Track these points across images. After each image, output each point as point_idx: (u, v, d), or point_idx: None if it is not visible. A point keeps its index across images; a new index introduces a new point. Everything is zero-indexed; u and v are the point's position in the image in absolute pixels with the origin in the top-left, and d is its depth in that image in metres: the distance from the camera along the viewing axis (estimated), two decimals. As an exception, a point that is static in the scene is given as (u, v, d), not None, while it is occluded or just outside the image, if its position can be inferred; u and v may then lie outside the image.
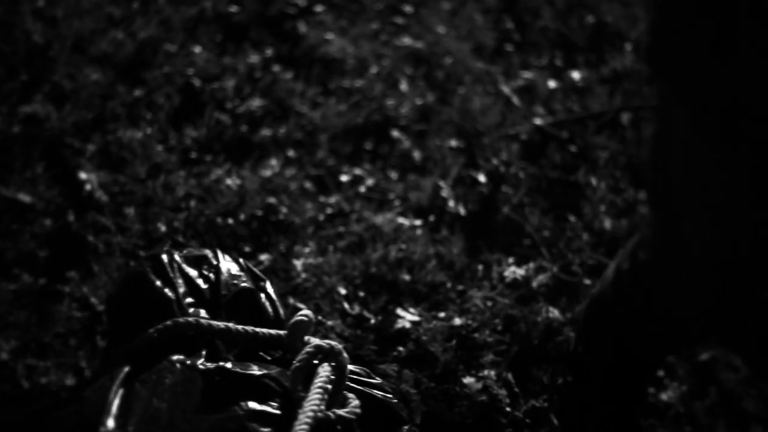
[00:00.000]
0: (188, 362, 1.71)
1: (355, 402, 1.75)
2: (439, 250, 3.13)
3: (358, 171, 3.46)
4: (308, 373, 1.71)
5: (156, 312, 1.86)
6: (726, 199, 1.74)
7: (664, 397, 2.78)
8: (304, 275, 2.93)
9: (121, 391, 1.66)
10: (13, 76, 3.55)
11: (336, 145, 3.57)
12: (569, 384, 2.57)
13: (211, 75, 3.80)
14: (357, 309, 2.87)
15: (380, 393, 1.88)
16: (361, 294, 2.93)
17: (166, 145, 3.40)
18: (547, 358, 2.80)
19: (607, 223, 3.33)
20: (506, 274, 3.07)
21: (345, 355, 1.78)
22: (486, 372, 2.69)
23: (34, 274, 2.84)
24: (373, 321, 2.83)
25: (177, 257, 1.98)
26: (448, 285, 3.01)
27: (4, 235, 2.95)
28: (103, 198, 3.12)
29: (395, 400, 1.90)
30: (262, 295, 2.00)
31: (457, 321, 2.84)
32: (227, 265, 2.01)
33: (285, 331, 1.86)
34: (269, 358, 1.86)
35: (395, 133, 3.69)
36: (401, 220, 3.24)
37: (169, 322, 1.80)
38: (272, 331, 1.86)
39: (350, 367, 1.83)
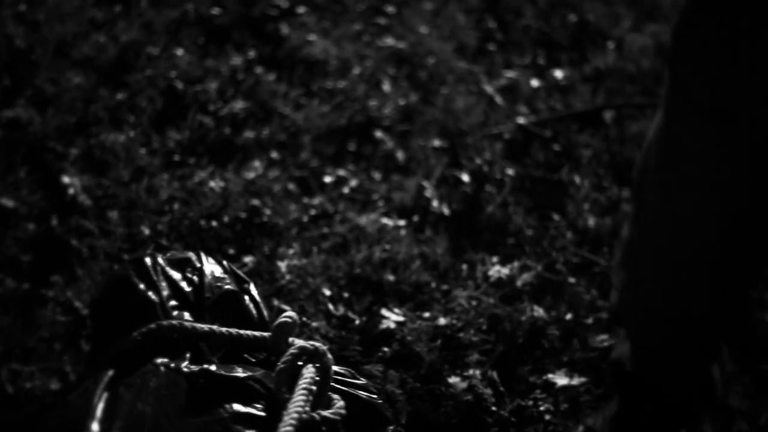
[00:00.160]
0: (172, 365, 1.71)
1: (340, 403, 1.75)
2: (423, 250, 3.13)
3: (341, 172, 3.46)
4: (293, 375, 1.71)
5: (140, 315, 1.85)
6: (721, 196, 1.75)
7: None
8: (288, 277, 2.93)
9: (105, 395, 1.65)
10: (-5, 81, 3.55)
11: (319, 146, 3.57)
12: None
13: (194, 77, 3.80)
14: (341, 310, 2.87)
15: (365, 394, 1.88)
16: (346, 295, 2.93)
17: (149, 148, 3.40)
18: (532, 356, 2.81)
19: (591, 221, 3.34)
20: (491, 273, 3.08)
21: (329, 356, 1.78)
22: (471, 371, 2.69)
23: (17, 278, 2.84)
24: (357, 322, 2.83)
25: (160, 260, 1.98)
26: (433, 285, 3.01)
27: (-13, 239, 2.95)
28: (87, 202, 3.12)
29: (380, 401, 1.90)
30: (246, 298, 2.00)
31: (442, 321, 2.85)
32: (211, 267, 2.01)
33: (269, 333, 1.86)
34: (254, 360, 1.85)
35: (378, 134, 3.69)
36: (385, 220, 3.24)
37: (152, 325, 1.80)
38: (256, 333, 1.86)
39: (335, 368, 1.83)
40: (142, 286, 1.92)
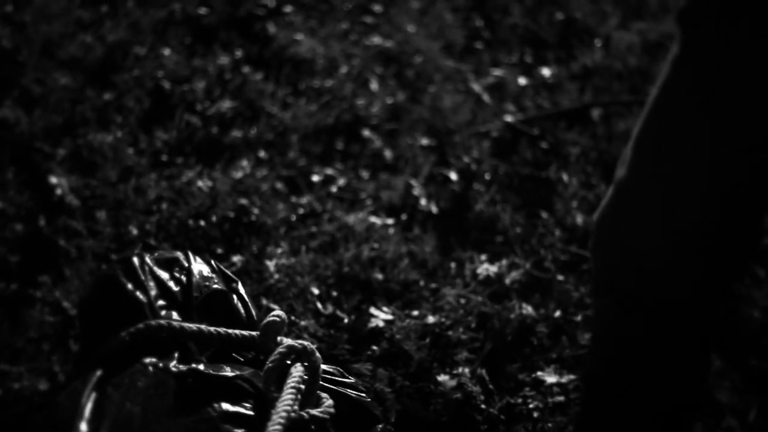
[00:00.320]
0: (161, 365, 1.71)
1: (329, 402, 1.75)
2: (411, 248, 3.13)
3: (329, 171, 3.46)
4: (281, 374, 1.71)
5: (128, 315, 1.85)
6: (713, 178, 1.75)
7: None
8: (276, 276, 2.93)
9: (93, 395, 1.65)
10: (-18, 81, 3.54)
11: (307, 145, 3.57)
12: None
13: (181, 77, 3.79)
14: (330, 309, 2.87)
15: (354, 392, 1.88)
16: (334, 294, 2.93)
17: (137, 148, 3.40)
18: (521, 354, 2.81)
19: (579, 219, 3.34)
20: (479, 271, 3.08)
21: (318, 354, 1.78)
22: (460, 369, 2.69)
23: (5, 279, 2.83)
24: (346, 320, 2.83)
25: (148, 260, 1.98)
26: (421, 283, 3.01)
27: (-26, 240, 2.94)
28: (74, 202, 3.11)
29: (369, 399, 1.90)
30: (235, 297, 1.99)
31: (431, 319, 2.85)
32: (199, 267, 2.00)
33: (258, 332, 1.85)
34: (242, 359, 1.85)
35: (366, 133, 3.69)
36: (373, 219, 3.24)
37: (141, 325, 1.79)
38: (245, 332, 1.85)
39: (324, 366, 1.83)
40: (130, 286, 1.91)
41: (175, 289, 1.94)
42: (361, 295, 2.93)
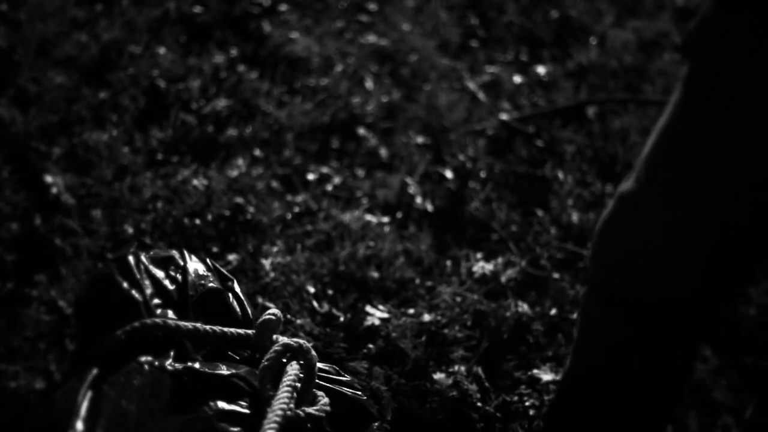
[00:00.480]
0: (156, 363, 1.71)
1: (325, 400, 1.75)
2: (407, 246, 3.13)
3: (324, 169, 3.46)
4: (277, 372, 1.71)
5: (123, 314, 1.85)
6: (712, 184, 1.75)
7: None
8: (272, 274, 2.93)
9: (89, 394, 1.65)
10: (-23, 81, 3.54)
11: (302, 143, 3.57)
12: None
13: (176, 76, 3.79)
14: (326, 307, 2.87)
15: (350, 390, 1.88)
16: (330, 292, 2.93)
17: (132, 147, 3.39)
18: (517, 352, 2.81)
19: (575, 217, 3.34)
20: (475, 269, 3.08)
21: (313, 353, 1.78)
22: (456, 367, 2.69)
23: (1, 278, 2.83)
24: (342, 319, 2.83)
25: (144, 258, 1.98)
26: (417, 281, 3.01)
27: (-30, 240, 2.94)
28: (70, 201, 3.11)
29: (365, 398, 1.90)
30: (230, 295, 1.99)
31: (427, 317, 2.85)
32: (194, 265, 2.00)
33: (253, 331, 1.85)
34: (238, 357, 1.85)
35: (361, 131, 3.69)
36: (369, 217, 3.24)
37: (136, 324, 1.79)
38: (240, 331, 1.85)
39: (319, 365, 1.83)
40: (125, 284, 1.91)
41: (171, 287, 1.94)
42: (357, 294, 2.93)
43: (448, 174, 3.52)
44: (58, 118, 3.44)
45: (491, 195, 3.44)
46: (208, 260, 2.05)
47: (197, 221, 3.10)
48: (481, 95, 4.04)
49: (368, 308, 2.86)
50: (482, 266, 3.09)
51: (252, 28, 4.23)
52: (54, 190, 3.13)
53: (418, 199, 3.37)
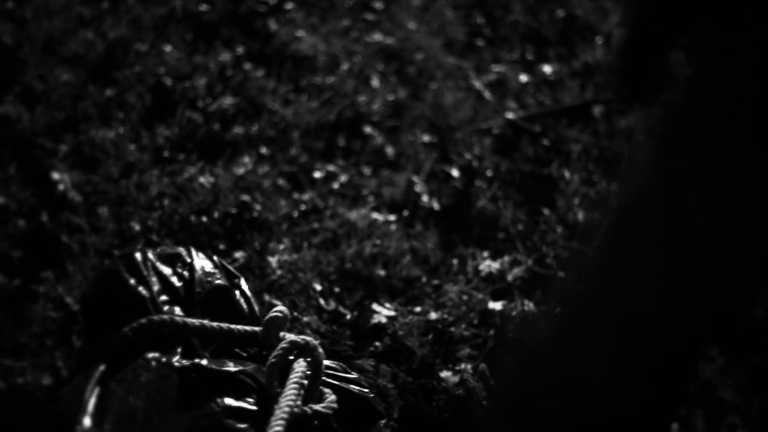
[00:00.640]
0: (164, 360, 1.71)
1: (332, 397, 1.75)
2: (413, 244, 3.13)
3: (331, 167, 3.46)
4: (284, 369, 1.71)
5: (130, 310, 1.85)
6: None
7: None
8: (279, 272, 2.93)
9: (97, 390, 1.65)
10: (-16, 78, 3.54)
11: (308, 141, 3.57)
12: None
13: (183, 74, 3.79)
14: (333, 305, 2.87)
15: (357, 388, 1.88)
16: (337, 290, 2.93)
17: (139, 145, 3.39)
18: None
19: (581, 216, 3.34)
20: (481, 267, 3.08)
21: (320, 350, 1.78)
22: (463, 366, 2.69)
23: (8, 274, 2.83)
24: (348, 316, 2.83)
25: (151, 255, 1.98)
26: (424, 279, 3.01)
27: (-23, 237, 2.95)
28: (77, 198, 3.11)
29: (372, 395, 1.90)
30: (237, 292, 2.00)
31: (433, 315, 2.84)
32: (201, 262, 2.01)
33: (260, 328, 1.86)
34: (245, 354, 1.86)
35: (368, 129, 3.69)
36: (375, 215, 3.24)
37: (143, 320, 1.80)
38: (247, 328, 1.86)
39: (326, 362, 1.83)
40: (132, 281, 1.92)
41: (178, 284, 1.94)
42: (364, 292, 2.93)
43: (455, 172, 3.52)
44: (64, 116, 3.44)
45: (497, 194, 3.44)
46: (214, 257, 2.05)
47: (204, 219, 3.10)
48: (487, 94, 4.04)
49: (375, 306, 2.86)
50: (489, 265, 3.08)
51: (258, 26, 4.22)
52: (61, 187, 3.13)
53: (425, 198, 3.37)
